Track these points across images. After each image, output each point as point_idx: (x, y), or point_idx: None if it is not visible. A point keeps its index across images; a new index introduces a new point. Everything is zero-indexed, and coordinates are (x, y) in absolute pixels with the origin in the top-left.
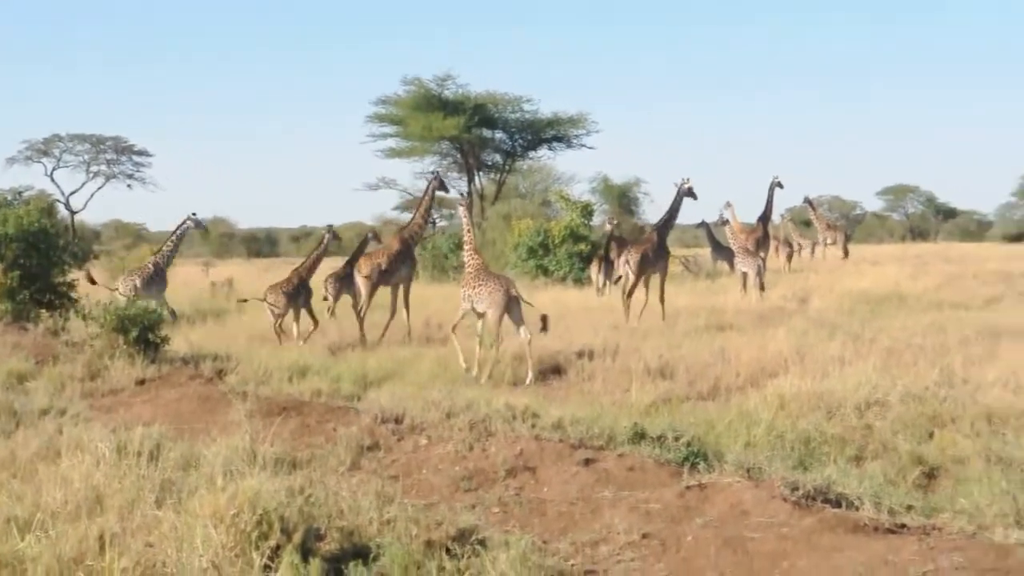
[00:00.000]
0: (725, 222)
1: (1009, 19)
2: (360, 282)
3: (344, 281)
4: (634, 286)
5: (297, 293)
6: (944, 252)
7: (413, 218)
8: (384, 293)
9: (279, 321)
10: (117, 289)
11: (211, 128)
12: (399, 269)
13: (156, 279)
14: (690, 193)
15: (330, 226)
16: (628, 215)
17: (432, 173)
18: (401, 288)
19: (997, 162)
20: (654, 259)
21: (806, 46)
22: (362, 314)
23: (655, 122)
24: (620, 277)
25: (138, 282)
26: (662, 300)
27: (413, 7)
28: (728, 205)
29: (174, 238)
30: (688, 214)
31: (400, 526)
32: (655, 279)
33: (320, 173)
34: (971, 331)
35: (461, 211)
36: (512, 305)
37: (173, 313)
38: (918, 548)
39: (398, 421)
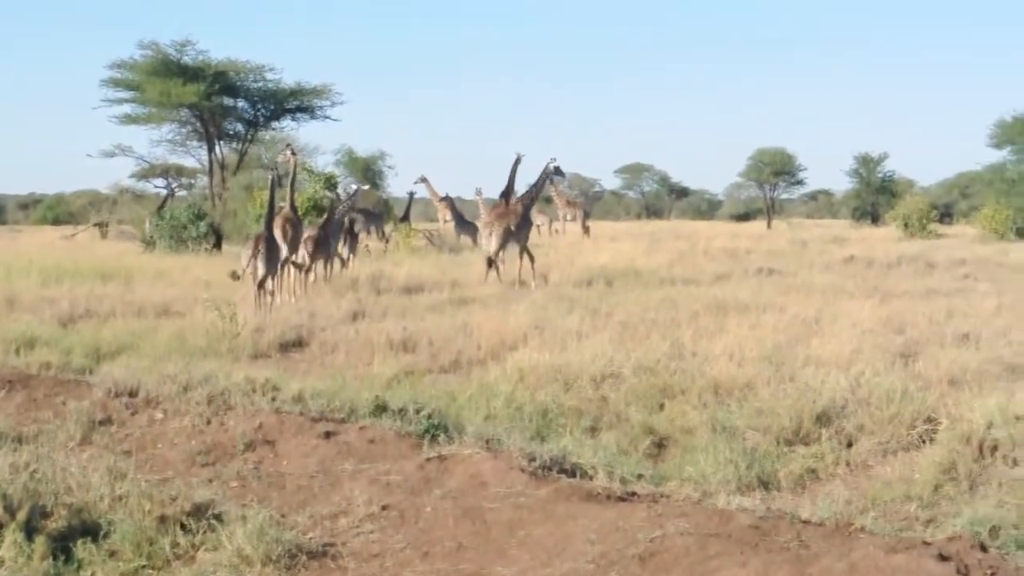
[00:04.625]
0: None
1: (739, 3)
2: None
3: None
4: (496, 254)
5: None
6: (676, 229)
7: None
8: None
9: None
10: None
11: None
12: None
13: None
14: (558, 172)
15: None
16: (373, 188)
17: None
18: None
19: (727, 144)
20: (516, 230)
21: (552, 29)
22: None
23: (402, 96)
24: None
25: None
26: (532, 261)
27: None
28: (423, 180)
29: None
30: (399, 187)
31: (132, 502)
32: (514, 247)
33: (51, 138)
34: (700, 306)
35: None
36: None
37: None
38: (647, 515)
39: (132, 395)
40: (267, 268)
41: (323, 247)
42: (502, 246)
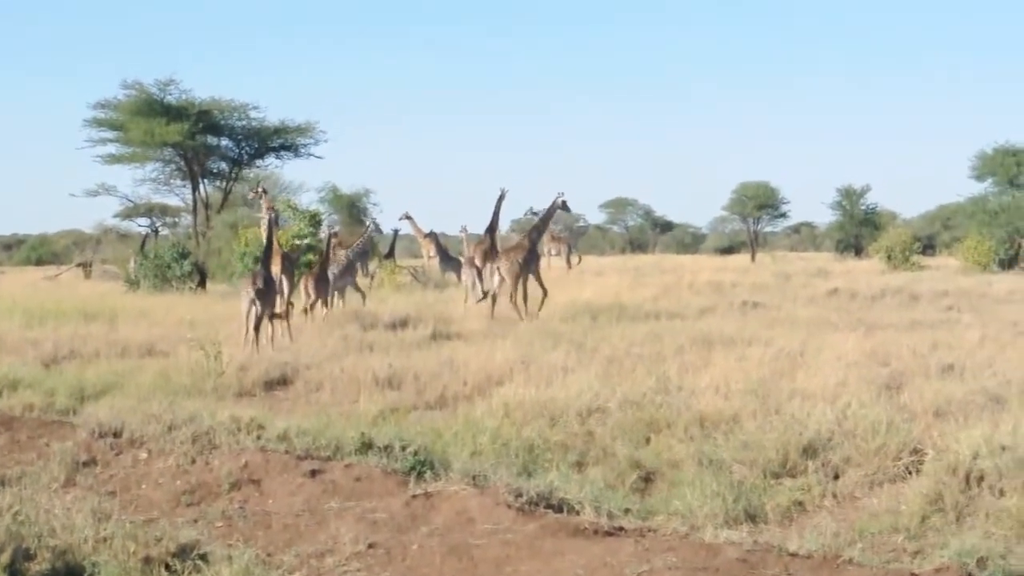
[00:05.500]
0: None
1: (722, 39)
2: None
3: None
4: (514, 289)
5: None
6: (661, 263)
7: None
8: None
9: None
10: None
11: None
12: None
13: None
14: (564, 207)
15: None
16: (358, 224)
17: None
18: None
19: (711, 178)
20: (525, 264)
21: (535, 64)
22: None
23: (385, 134)
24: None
25: None
26: (544, 293)
27: (136, 8)
28: (407, 216)
29: None
30: (384, 224)
31: (117, 543)
32: (517, 279)
33: (34, 178)
34: (686, 340)
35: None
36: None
37: None
38: (635, 550)
39: (116, 435)
40: (264, 306)
41: (323, 285)
42: (516, 282)
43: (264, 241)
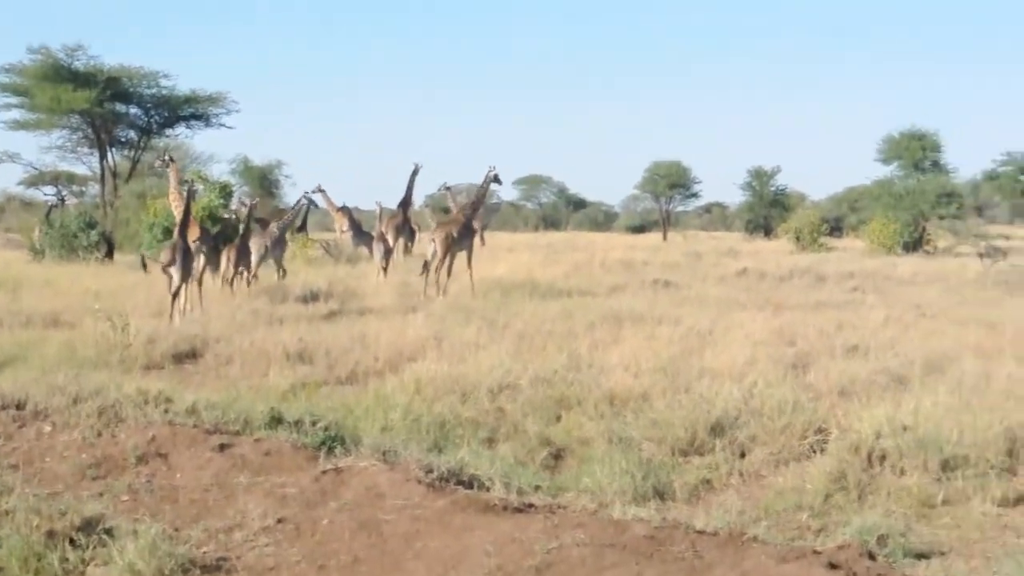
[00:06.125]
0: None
1: (635, 19)
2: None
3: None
4: (440, 262)
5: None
6: (573, 241)
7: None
8: None
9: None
10: None
11: None
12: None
13: None
14: (496, 179)
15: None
16: (269, 197)
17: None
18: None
19: (624, 157)
20: (459, 238)
21: (450, 39)
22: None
23: (298, 106)
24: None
25: None
26: (470, 275)
27: None
28: (319, 189)
29: None
30: (296, 197)
31: (20, 516)
32: (462, 255)
33: None
34: (597, 317)
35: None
36: None
37: None
38: (544, 526)
39: (20, 407)
40: (182, 276)
41: (244, 257)
42: (446, 254)
43: (181, 212)
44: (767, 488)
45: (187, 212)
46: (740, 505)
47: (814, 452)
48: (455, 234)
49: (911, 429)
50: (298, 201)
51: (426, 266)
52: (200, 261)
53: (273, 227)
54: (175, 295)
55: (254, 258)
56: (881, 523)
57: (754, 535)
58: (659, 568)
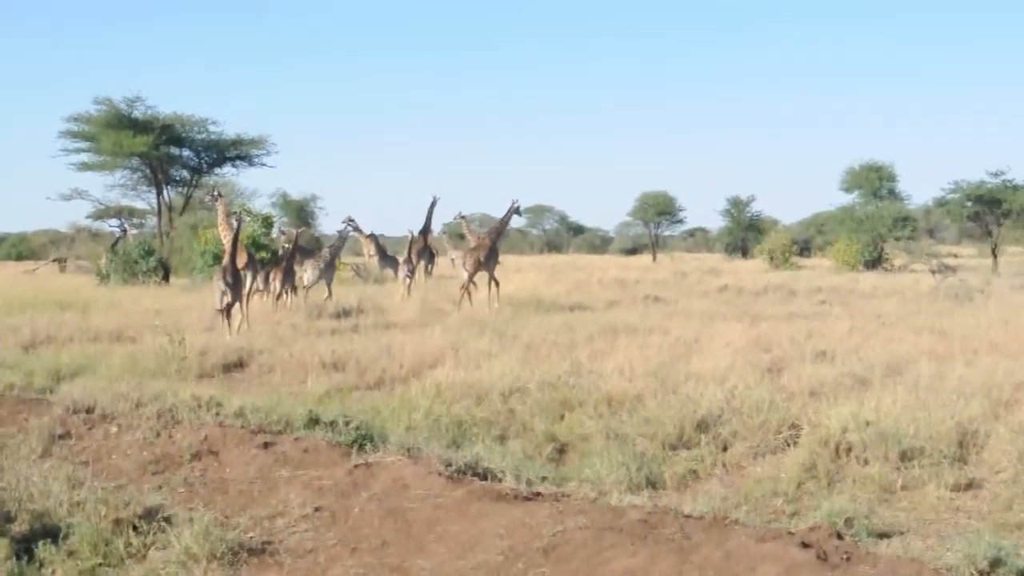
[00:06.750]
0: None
1: (625, 58)
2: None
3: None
4: (469, 281)
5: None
6: (574, 262)
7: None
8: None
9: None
10: None
11: None
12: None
13: None
14: (517, 211)
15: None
16: (306, 226)
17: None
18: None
19: (617, 188)
20: (486, 261)
21: (462, 78)
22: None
23: (333, 144)
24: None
25: None
26: (497, 287)
27: (104, 27)
28: (350, 220)
29: None
30: (330, 226)
31: (89, 507)
32: (483, 275)
33: (14, 181)
34: (595, 329)
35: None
36: None
37: None
38: (550, 512)
39: (89, 411)
40: (234, 296)
41: (289, 278)
42: (475, 273)
43: (231, 240)
44: (747, 477)
45: (235, 241)
46: (723, 492)
47: (788, 445)
48: (482, 258)
49: (873, 424)
50: (344, 228)
51: (464, 287)
52: (248, 283)
53: (325, 252)
54: (227, 313)
55: (312, 278)
56: (847, 507)
57: (735, 518)
58: (652, 548)
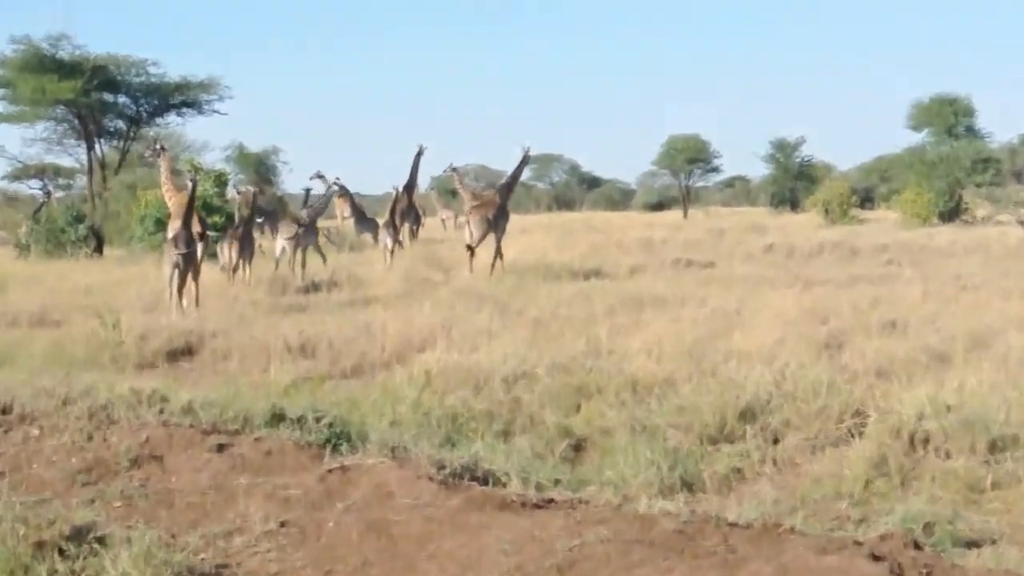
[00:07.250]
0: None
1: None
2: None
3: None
4: (477, 243)
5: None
6: (589, 221)
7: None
8: None
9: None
10: None
11: None
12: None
13: None
14: (527, 160)
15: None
16: (266, 184)
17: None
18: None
19: (639, 132)
20: (495, 220)
21: (452, 14)
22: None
23: (294, 89)
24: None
25: None
26: (500, 257)
27: None
28: (319, 175)
29: None
30: (295, 183)
31: (6, 526)
32: (491, 236)
33: None
34: (616, 300)
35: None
36: None
37: None
38: (565, 523)
39: (5, 411)
40: (186, 267)
41: (248, 246)
42: (483, 235)
43: (181, 203)
44: (803, 476)
45: (191, 202)
46: (774, 495)
47: (852, 436)
48: (490, 217)
49: (955, 409)
50: (329, 188)
51: (470, 250)
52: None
53: (303, 214)
54: (180, 287)
55: (289, 246)
56: (926, 510)
57: (791, 526)
58: (690, 564)
